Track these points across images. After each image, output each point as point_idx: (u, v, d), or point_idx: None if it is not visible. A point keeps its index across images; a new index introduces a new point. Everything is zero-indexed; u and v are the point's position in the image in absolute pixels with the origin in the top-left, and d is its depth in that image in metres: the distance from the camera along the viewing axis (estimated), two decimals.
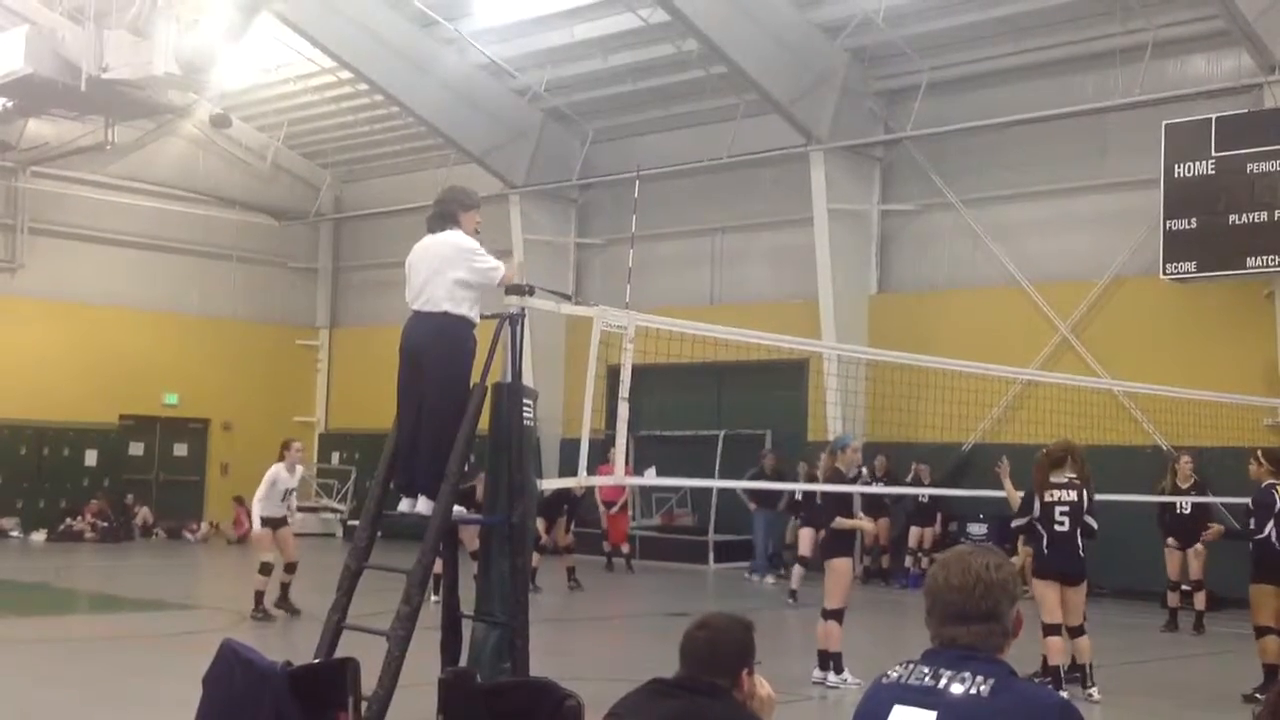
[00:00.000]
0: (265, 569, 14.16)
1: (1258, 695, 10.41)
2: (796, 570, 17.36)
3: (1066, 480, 10.73)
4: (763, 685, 3.68)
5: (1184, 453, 15.81)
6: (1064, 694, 9.23)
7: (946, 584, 3.22)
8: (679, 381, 20.23)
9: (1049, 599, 10.53)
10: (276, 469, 14.49)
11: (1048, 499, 10.69)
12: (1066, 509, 10.62)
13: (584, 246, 26.06)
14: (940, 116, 20.55)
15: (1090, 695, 10.37)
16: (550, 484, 14.04)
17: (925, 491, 19.05)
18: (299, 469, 15.10)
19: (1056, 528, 10.61)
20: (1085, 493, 10.69)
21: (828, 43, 20.80)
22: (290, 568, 14.37)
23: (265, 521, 14.31)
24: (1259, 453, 11.61)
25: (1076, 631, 10.68)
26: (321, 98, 26.58)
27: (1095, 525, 10.66)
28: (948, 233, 21.28)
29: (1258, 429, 17.28)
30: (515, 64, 23.85)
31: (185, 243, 28.09)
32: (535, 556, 18.09)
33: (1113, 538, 11.03)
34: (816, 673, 10.84)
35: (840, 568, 10.93)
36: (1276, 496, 11.04)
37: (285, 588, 14.22)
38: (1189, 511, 15.18)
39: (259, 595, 14.10)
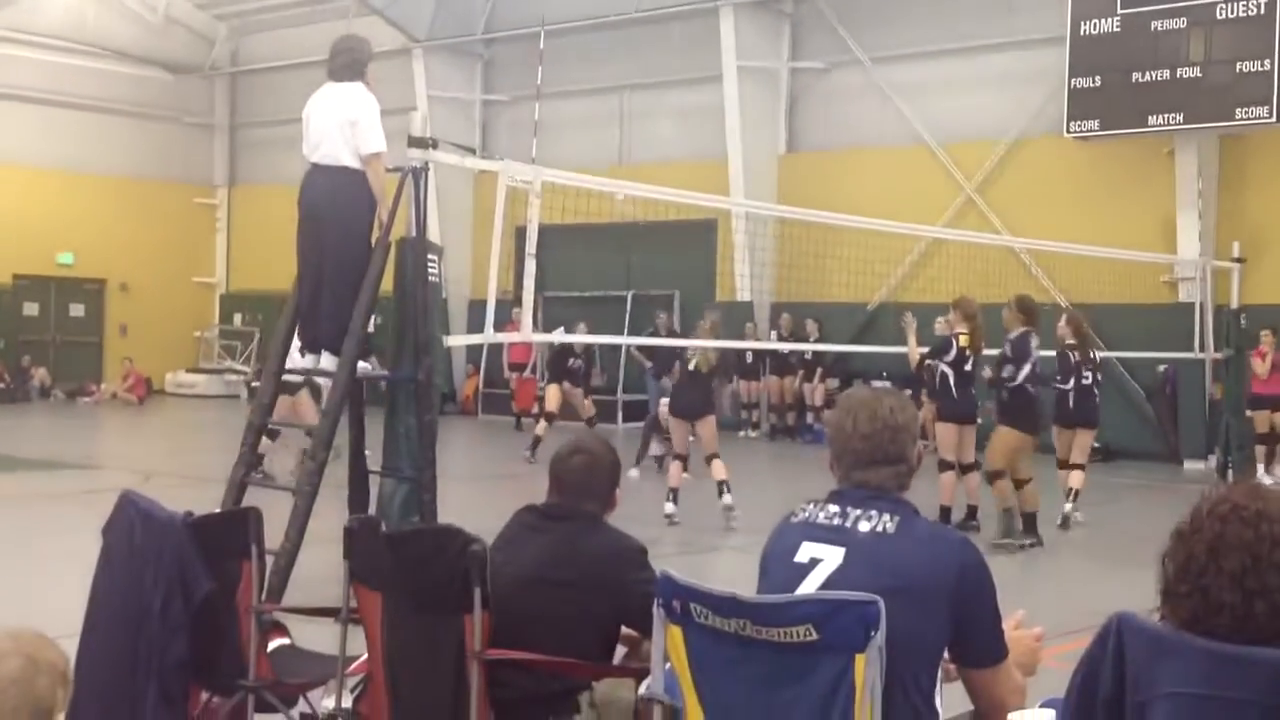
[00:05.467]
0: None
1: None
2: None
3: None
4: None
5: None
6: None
7: (855, 431, 3.26)
8: (587, 242, 20.11)
9: (948, 439, 11.23)
10: None
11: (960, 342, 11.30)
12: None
13: (490, 104, 25.58)
14: None
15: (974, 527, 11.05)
16: (456, 340, 13.88)
17: (817, 348, 18.91)
18: None
19: (966, 367, 11.25)
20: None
21: None
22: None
23: None
24: (1012, 302, 11.53)
25: (968, 468, 11.31)
26: None
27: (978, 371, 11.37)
28: (856, 92, 21.19)
29: (1155, 285, 17.66)
30: None
31: (76, 97, 27.07)
32: (542, 425, 16.13)
33: None
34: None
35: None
36: (1031, 344, 11.22)
37: None
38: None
39: None
